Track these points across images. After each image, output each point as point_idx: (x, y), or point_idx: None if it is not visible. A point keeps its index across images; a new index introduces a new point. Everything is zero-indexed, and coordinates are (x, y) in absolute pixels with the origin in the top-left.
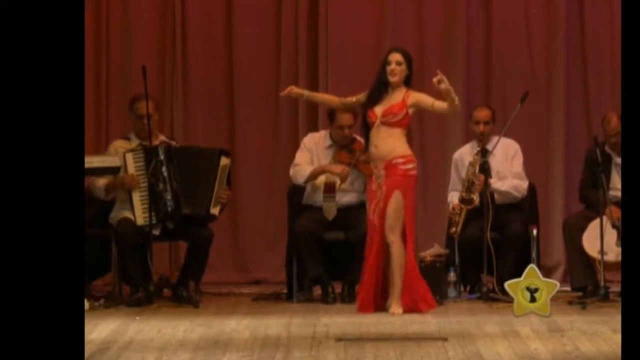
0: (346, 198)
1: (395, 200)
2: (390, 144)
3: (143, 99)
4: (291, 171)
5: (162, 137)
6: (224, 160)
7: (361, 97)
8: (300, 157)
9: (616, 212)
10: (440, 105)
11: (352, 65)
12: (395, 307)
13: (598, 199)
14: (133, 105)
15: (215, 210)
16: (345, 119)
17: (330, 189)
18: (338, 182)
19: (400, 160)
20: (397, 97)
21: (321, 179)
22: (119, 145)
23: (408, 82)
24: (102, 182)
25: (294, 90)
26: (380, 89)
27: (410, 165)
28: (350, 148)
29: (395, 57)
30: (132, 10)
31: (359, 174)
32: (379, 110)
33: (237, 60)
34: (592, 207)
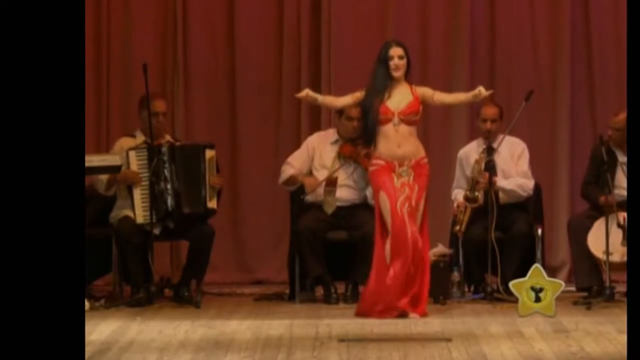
0: (343, 193)
1: (424, 201)
2: (413, 143)
3: (158, 97)
4: (282, 167)
5: (168, 137)
6: (209, 153)
7: (359, 94)
8: (295, 156)
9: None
10: (441, 97)
11: (354, 63)
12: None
13: (597, 196)
14: (147, 103)
15: (212, 204)
16: (355, 111)
17: (331, 182)
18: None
19: (425, 160)
20: (405, 92)
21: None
22: (124, 142)
23: (406, 74)
24: (103, 176)
25: (310, 94)
26: (384, 83)
27: (427, 165)
28: (354, 142)
29: (397, 51)
30: (133, 8)
31: (357, 167)
32: (392, 106)
33: (239, 57)
34: (592, 204)
